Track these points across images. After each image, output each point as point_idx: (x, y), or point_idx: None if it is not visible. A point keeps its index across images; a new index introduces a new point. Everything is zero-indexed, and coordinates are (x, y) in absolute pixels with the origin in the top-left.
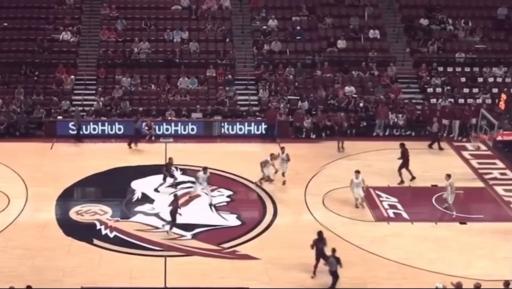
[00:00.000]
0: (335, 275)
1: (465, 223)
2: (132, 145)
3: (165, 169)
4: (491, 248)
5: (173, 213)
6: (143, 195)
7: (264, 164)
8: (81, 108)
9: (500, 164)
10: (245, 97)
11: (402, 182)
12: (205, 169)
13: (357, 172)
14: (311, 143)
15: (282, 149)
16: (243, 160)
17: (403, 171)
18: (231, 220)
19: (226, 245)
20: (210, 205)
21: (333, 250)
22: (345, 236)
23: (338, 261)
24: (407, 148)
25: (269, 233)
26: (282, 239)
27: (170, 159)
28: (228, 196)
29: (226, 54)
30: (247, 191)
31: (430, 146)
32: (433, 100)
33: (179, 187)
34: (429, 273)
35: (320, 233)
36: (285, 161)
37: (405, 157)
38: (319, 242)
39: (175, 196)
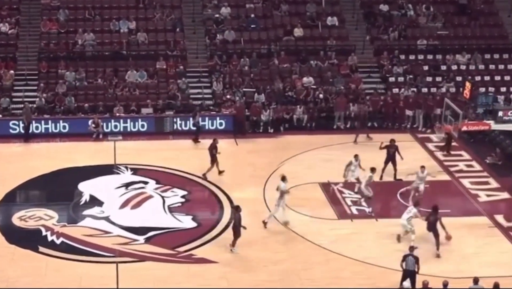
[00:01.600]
0: None
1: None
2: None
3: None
4: (460, 244)
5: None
6: (91, 197)
7: (348, 167)
8: (22, 105)
9: (466, 156)
10: (198, 91)
11: (395, 178)
12: (283, 178)
13: (356, 156)
14: (269, 138)
15: (356, 156)
16: (197, 157)
17: (395, 167)
18: (186, 222)
19: (181, 249)
20: (270, 216)
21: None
22: (307, 235)
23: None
24: (395, 145)
25: (227, 234)
26: (240, 240)
27: (215, 140)
28: (183, 196)
29: (176, 45)
30: (202, 190)
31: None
32: (396, 90)
33: (130, 187)
34: (395, 272)
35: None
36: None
37: (388, 154)
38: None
39: (236, 207)
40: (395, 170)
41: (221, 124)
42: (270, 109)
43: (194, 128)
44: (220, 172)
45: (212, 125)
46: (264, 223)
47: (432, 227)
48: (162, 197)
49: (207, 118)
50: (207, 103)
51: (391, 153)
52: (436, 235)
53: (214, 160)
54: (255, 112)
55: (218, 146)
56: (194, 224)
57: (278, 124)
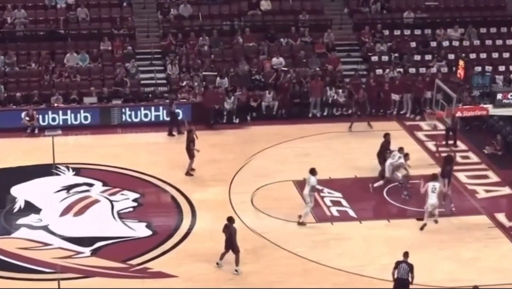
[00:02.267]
0: None
1: (422, 219)
2: (175, 132)
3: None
4: (456, 247)
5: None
6: (27, 203)
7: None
8: None
9: (461, 145)
10: (150, 75)
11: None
12: (312, 171)
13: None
14: (234, 130)
15: (401, 149)
16: (150, 153)
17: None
18: (140, 230)
19: (134, 262)
20: (301, 218)
21: None
22: (281, 242)
23: None
24: (388, 139)
25: (187, 243)
26: (203, 250)
27: (191, 131)
28: (135, 200)
29: (123, 22)
30: (157, 192)
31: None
32: (379, 71)
33: (72, 191)
34: (382, 282)
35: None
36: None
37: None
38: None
39: (230, 219)
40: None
41: (177, 114)
42: (235, 96)
43: (169, 118)
44: (190, 171)
45: (167, 115)
46: (302, 224)
47: (447, 176)
48: (110, 201)
49: (161, 108)
50: (161, 90)
51: (385, 146)
52: (449, 182)
53: (193, 155)
54: (217, 99)
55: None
56: (148, 232)
57: (244, 113)
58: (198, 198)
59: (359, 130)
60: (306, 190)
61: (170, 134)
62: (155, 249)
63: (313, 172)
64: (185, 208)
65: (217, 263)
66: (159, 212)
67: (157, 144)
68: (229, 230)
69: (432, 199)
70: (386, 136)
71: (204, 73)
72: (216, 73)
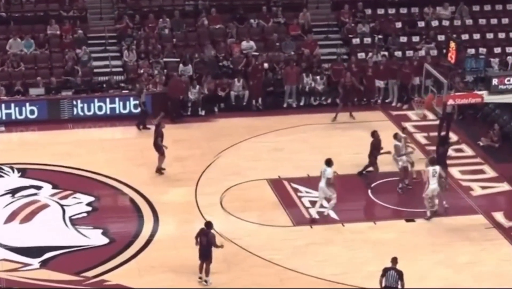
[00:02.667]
0: None
1: (413, 220)
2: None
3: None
4: (450, 251)
5: None
6: None
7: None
8: None
9: (454, 137)
10: (104, 63)
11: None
12: (328, 162)
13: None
14: (200, 123)
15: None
16: (106, 151)
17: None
18: (95, 238)
19: (89, 274)
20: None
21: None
22: (254, 249)
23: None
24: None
25: (148, 252)
26: (167, 258)
27: (160, 125)
28: (89, 204)
29: (73, 3)
30: (114, 195)
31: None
32: (361, 55)
33: (17, 195)
34: None
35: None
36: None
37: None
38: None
39: (208, 224)
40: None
41: (135, 106)
42: (202, 84)
43: (139, 111)
44: (159, 170)
45: (124, 108)
46: (314, 221)
47: (441, 159)
48: (61, 206)
49: (117, 100)
50: (116, 79)
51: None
52: (445, 166)
53: (162, 150)
54: (180, 89)
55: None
56: (105, 240)
57: (211, 104)
58: (160, 200)
59: (340, 122)
60: (322, 183)
61: (139, 127)
62: (112, 259)
63: (329, 162)
64: (146, 212)
65: (200, 278)
66: (117, 217)
67: (113, 140)
68: (207, 237)
69: (433, 184)
70: (375, 134)
71: (165, 59)
72: (178, 59)
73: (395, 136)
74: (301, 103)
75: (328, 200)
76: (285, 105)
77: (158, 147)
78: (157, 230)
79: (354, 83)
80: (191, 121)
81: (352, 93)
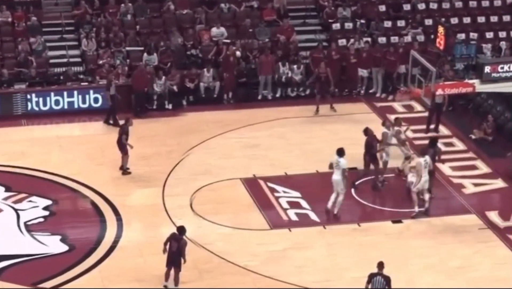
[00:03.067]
0: None
1: (400, 221)
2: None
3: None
4: (440, 254)
5: None
6: None
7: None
8: None
9: (443, 130)
10: (61, 53)
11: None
12: (340, 152)
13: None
14: (167, 118)
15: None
16: (64, 149)
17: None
18: (53, 245)
19: (47, 284)
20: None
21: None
22: (228, 255)
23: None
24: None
25: (112, 260)
26: (132, 266)
27: (128, 121)
28: (46, 208)
29: None
30: (74, 198)
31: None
32: (342, 42)
33: None
34: None
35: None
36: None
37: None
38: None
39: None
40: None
41: (96, 100)
42: (175, 75)
43: (108, 105)
44: (124, 171)
45: (84, 102)
46: (335, 216)
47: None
48: (16, 210)
49: (75, 93)
50: (75, 70)
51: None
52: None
53: (125, 149)
54: (145, 81)
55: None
56: (64, 248)
57: (178, 97)
58: (124, 203)
59: (320, 115)
60: (337, 176)
61: (108, 123)
62: (73, 267)
63: (341, 152)
64: (108, 216)
65: (165, 286)
66: (77, 222)
67: (72, 138)
68: (178, 243)
69: (425, 176)
70: (367, 131)
71: (128, 48)
72: (142, 48)
73: (384, 123)
74: (277, 95)
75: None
76: (259, 97)
77: (122, 145)
78: (121, 236)
79: (328, 74)
80: (157, 116)
81: (328, 84)
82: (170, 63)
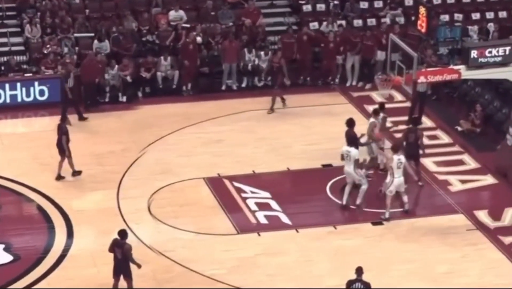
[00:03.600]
0: None
1: (381, 223)
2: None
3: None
4: (426, 259)
5: None
6: None
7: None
8: None
9: (426, 122)
10: (2, 40)
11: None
12: (351, 142)
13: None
14: (120, 111)
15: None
16: (7, 148)
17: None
18: None
19: None
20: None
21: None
22: (190, 263)
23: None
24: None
25: (61, 271)
26: (84, 277)
27: (63, 121)
28: None
29: None
30: (18, 202)
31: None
32: (314, 25)
33: None
34: None
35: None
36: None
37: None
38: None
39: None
40: None
41: (42, 93)
42: (127, 65)
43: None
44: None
45: (28, 95)
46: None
47: (413, 150)
48: None
49: (18, 85)
50: (17, 59)
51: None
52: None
53: (67, 152)
54: (96, 70)
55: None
56: (8, 258)
57: (133, 88)
58: (75, 207)
59: (290, 107)
60: (348, 167)
61: (81, 118)
62: (18, 280)
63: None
64: (57, 222)
65: None
66: (22, 229)
67: (15, 135)
68: (122, 249)
69: (398, 177)
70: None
71: (76, 35)
72: (92, 34)
73: (374, 111)
74: (243, 85)
75: (356, 186)
76: (223, 87)
77: (62, 148)
78: (71, 244)
79: (282, 65)
80: (109, 110)
81: (281, 75)
82: (123, 51)
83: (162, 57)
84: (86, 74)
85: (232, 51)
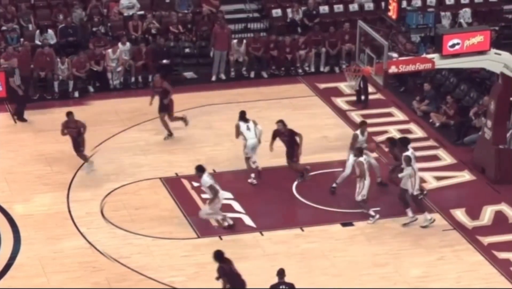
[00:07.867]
0: None
1: (351, 224)
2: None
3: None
4: (399, 262)
5: None
6: None
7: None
8: None
9: (398, 114)
10: None
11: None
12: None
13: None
14: (71, 107)
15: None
16: None
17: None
18: None
19: None
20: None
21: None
22: (148, 270)
23: None
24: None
25: (7, 281)
26: (33, 286)
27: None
28: None
29: None
30: None
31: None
32: (277, 12)
33: None
34: None
35: None
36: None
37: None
38: None
39: None
40: None
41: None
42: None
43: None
44: None
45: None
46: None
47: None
48: None
49: None
50: None
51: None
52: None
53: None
54: (42, 63)
55: None
56: None
57: (84, 83)
58: (20, 212)
59: (252, 100)
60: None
61: (15, 119)
62: None
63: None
64: (2, 227)
65: None
66: None
67: None
68: None
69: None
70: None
71: (11, 24)
72: (36, 27)
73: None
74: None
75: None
76: (213, 78)
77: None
78: (18, 251)
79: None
80: (58, 106)
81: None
82: (75, 41)
83: (110, 50)
84: (34, 68)
85: (223, 38)
